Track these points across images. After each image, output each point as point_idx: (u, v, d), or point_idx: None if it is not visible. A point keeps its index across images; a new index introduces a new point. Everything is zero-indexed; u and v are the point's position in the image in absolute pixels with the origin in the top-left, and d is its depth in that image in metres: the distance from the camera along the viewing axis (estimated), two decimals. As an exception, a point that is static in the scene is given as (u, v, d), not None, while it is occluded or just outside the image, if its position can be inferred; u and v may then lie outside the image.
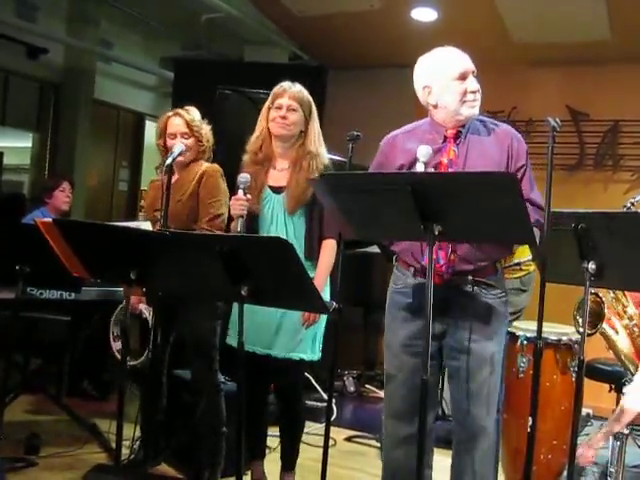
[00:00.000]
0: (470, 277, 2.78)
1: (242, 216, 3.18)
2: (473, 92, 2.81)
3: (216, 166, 3.70)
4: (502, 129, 2.90)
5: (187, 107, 3.73)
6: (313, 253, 3.38)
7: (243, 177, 3.24)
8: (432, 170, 2.68)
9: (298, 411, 3.61)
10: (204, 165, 3.69)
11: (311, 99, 3.50)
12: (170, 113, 3.72)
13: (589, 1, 5.28)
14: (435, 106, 2.86)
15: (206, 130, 3.73)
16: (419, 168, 2.61)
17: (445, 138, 2.85)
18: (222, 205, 3.58)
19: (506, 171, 2.74)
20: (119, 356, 3.68)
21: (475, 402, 2.79)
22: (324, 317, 3.40)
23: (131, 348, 3.59)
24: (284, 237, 3.17)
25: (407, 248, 2.86)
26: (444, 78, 2.82)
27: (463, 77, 2.80)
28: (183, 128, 3.65)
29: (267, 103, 3.48)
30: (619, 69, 6.12)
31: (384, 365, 3.00)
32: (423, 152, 2.63)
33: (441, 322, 2.78)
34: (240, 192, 3.21)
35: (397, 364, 2.90)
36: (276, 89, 3.47)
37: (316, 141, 3.47)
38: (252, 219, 3.37)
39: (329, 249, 3.38)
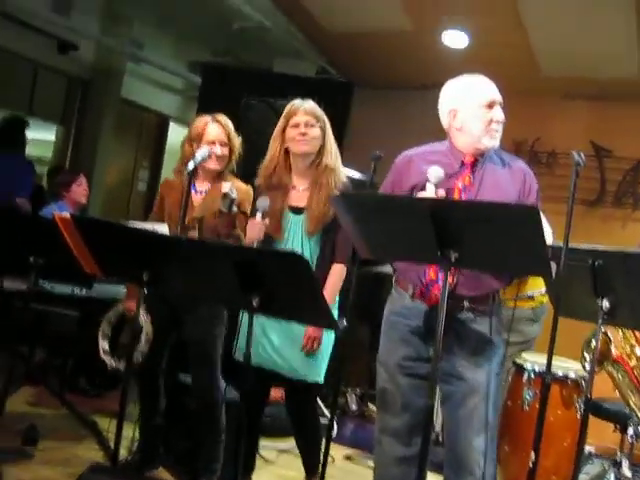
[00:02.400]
0: (466, 303, 2.78)
1: (258, 240, 3.17)
2: (498, 122, 2.83)
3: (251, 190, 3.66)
4: (518, 165, 2.91)
5: (221, 115, 3.67)
6: (322, 276, 3.34)
7: (263, 201, 3.22)
8: (443, 192, 2.67)
9: (311, 418, 3.61)
10: (238, 183, 3.64)
11: (324, 114, 3.47)
12: (208, 119, 3.63)
13: (620, 38, 5.27)
14: (459, 129, 2.86)
15: (238, 142, 3.69)
16: (429, 189, 2.63)
17: (462, 164, 2.85)
18: None
19: (527, 202, 2.74)
20: (104, 355, 3.67)
21: (465, 428, 2.79)
22: (332, 337, 3.39)
23: (123, 349, 3.58)
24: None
25: (409, 266, 2.86)
26: (472, 104, 2.83)
27: (490, 106, 2.82)
28: (224, 137, 3.59)
29: (279, 124, 3.43)
30: (646, 107, 6.10)
31: (377, 382, 2.99)
32: (434, 174, 2.65)
33: (434, 346, 2.78)
34: (258, 216, 3.20)
35: (393, 384, 2.90)
36: (288, 108, 3.43)
37: (333, 156, 3.44)
38: (269, 243, 3.36)
39: (338, 274, 3.36)
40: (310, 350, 3.31)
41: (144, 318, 3.49)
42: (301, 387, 3.41)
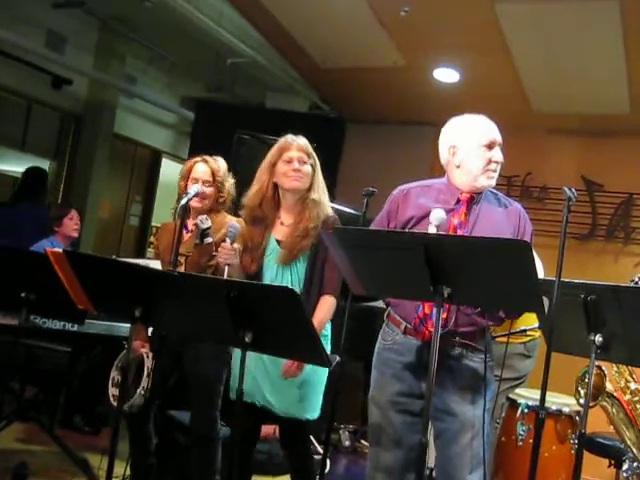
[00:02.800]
0: (459, 339, 2.78)
1: (228, 264, 3.13)
2: (497, 163, 2.85)
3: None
4: (513, 207, 2.93)
5: (216, 157, 3.72)
6: (309, 307, 3.28)
7: (232, 227, 3.20)
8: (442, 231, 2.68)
9: (305, 455, 3.54)
10: (228, 217, 3.67)
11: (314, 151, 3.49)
12: (198, 158, 3.70)
13: (610, 75, 5.33)
14: (458, 167, 2.88)
15: (229, 183, 3.72)
16: (430, 231, 2.61)
17: (458, 200, 2.87)
18: None
19: (519, 238, 2.74)
20: (114, 402, 3.63)
21: (457, 465, 2.76)
22: (325, 372, 3.36)
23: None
24: None
25: (403, 301, 2.86)
26: (472, 143, 2.86)
27: (490, 146, 2.85)
28: (207, 176, 3.63)
29: (270, 158, 3.40)
30: (636, 143, 6.16)
31: (369, 419, 2.98)
32: (437, 216, 2.65)
33: (426, 382, 2.76)
34: (228, 241, 3.17)
35: (385, 421, 2.88)
36: (282, 143, 3.41)
37: (320, 190, 3.43)
38: (253, 276, 3.34)
39: (326, 306, 3.31)
40: (291, 376, 3.23)
41: (147, 358, 3.48)
42: (295, 424, 3.37)
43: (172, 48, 7.77)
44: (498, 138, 2.88)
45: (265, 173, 3.41)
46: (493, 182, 2.87)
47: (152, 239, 3.59)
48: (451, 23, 5.08)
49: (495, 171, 2.86)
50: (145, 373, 3.44)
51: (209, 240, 3.45)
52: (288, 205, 3.41)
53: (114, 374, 3.67)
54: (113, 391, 3.66)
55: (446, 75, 5.96)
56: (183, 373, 3.61)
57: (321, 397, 3.39)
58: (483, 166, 2.83)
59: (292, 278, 3.32)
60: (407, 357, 2.83)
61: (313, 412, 3.35)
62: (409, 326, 2.84)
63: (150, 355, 3.48)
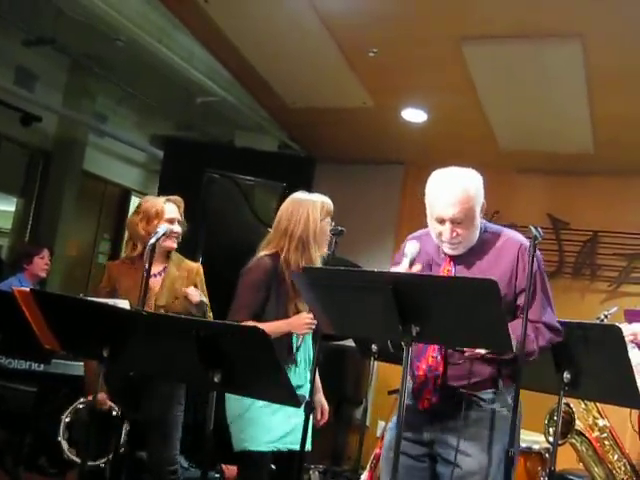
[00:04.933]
0: (463, 391, 2.63)
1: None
2: (446, 239, 2.68)
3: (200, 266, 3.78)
4: (513, 244, 2.74)
5: (175, 197, 3.76)
6: None
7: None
8: (419, 266, 2.61)
9: None
10: (187, 262, 3.75)
11: None
12: (163, 199, 3.71)
13: (575, 116, 5.43)
14: None
15: (184, 226, 3.77)
16: (403, 262, 2.58)
17: (445, 254, 2.76)
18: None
19: (485, 277, 2.65)
20: (69, 455, 3.59)
21: None
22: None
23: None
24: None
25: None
26: (428, 211, 2.74)
27: (440, 221, 2.68)
28: (179, 216, 3.70)
29: (319, 217, 3.40)
30: (601, 181, 6.27)
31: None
32: (410, 248, 2.63)
33: (429, 430, 2.69)
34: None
35: (387, 466, 2.77)
36: (330, 204, 3.49)
37: None
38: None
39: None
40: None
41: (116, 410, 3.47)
42: (296, 456, 3.27)
43: (143, 86, 7.79)
44: (447, 214, 2.64)
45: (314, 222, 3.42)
46: (457, 252, 2.72)
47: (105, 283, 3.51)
48: (418, 63, 5.16)
49: (451, 244, 2.69)
50: (123, 433, 3.41)
51: (210, 315, 3.55)
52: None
53: (63, 430, 3.63)
54: (65, 445, 3.62)
55: (414, 115, 6.04)
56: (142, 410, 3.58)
57: None
58: (436, 237, 2.72)
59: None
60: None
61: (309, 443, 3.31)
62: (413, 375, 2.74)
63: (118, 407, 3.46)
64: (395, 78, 5.50)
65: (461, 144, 5.98)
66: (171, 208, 3.67)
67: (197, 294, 3.48)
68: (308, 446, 3.26)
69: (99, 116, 8.15)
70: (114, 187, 8.92)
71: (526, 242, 2.72)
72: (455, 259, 2.74)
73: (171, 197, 3.73)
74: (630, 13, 4.21)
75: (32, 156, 7.98)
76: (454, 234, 2.66)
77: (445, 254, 2.76)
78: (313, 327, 3.19)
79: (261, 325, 3.10)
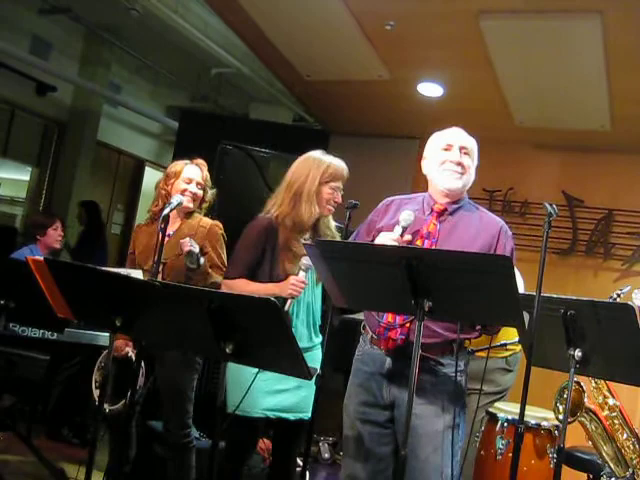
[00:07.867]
0: (423, 354, 2.63)
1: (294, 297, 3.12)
2: (452, 162, 2.85)
3: (220, 224, 3.73)
4: (492, 222, 2.89)
5: (200, 160, 3.77)
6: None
7: (307, 260, 3.03)
8: (409, 236, 2.71)
9: (295, 460, 3.52)
10: (204, 220, 3.70)
11: None
12: (188, 161, 3.74)
13: (592, 92, 5.37)
14: (427, 176, 2.94)
15: (212, 192, 3.79)
16: (395, 231, 2.67)
17: (431, 211, 2.88)
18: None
19: (502, 254, 2.73)
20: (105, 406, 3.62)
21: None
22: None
23: (109, 394, 3.53)
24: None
25: (370, 312, 2.86)
26: (433, 148, 2.92)
27: (447, 149, 2.87)
28: (200, 178, 3.70)
29: (320, 178, 3.29)
30: (616, 159, 6.19)
31: (343, 428, 2.96)
32: (404, 216, 2.70)
33: (388, 393, 2.78)
34: (302, 274, 3.12)
35: (353, 431, 2.87)
36: (339, 170, 3.33)
37: None
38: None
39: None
40: None
41: (134, 357, 3.49)
42: (296, 426, 3.33)
43: (158, 57, 7.77)
44: (456, 141, 2.88)
45: (314, 186, 3.32)
46: (456, 183, 2.85)
47: (131, 248, 3.55)
48: (436, 38, 5.10)
49: (455, 171, 2.85)
50: (141, 372, 3.44)
51: (203, 261, 3.48)
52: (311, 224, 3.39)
53: (96, 376, 3.66)
54: (97, 394, 3.65)
55: (430, 89, 5.98)
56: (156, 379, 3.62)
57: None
58: (438, 167, 2.86)
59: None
60: (372, 367, 2.83)
61: (310, 411, 3.31)
62: (374, 336, 2.84)
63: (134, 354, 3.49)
64: (412, 51, 5.44)
65: (477, 120, 5.86)
66: (191, 169, 3.70)
67: (188, 243, 3.42)
68: (308, 414, 3.30)
69: (114, 86, 8.15)
70: (128, 158, 8.94)
71: (505, 225, 2.89)
72: (439, 216, 2.85)
73: (196, 160, 3.76)
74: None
75: (47, 126, 7.99)
76: (461, 159, 2.85)
77: (432, 209, 2.87)
78: (299, 291, 3.12)
79: (251, 286, 3.21)
